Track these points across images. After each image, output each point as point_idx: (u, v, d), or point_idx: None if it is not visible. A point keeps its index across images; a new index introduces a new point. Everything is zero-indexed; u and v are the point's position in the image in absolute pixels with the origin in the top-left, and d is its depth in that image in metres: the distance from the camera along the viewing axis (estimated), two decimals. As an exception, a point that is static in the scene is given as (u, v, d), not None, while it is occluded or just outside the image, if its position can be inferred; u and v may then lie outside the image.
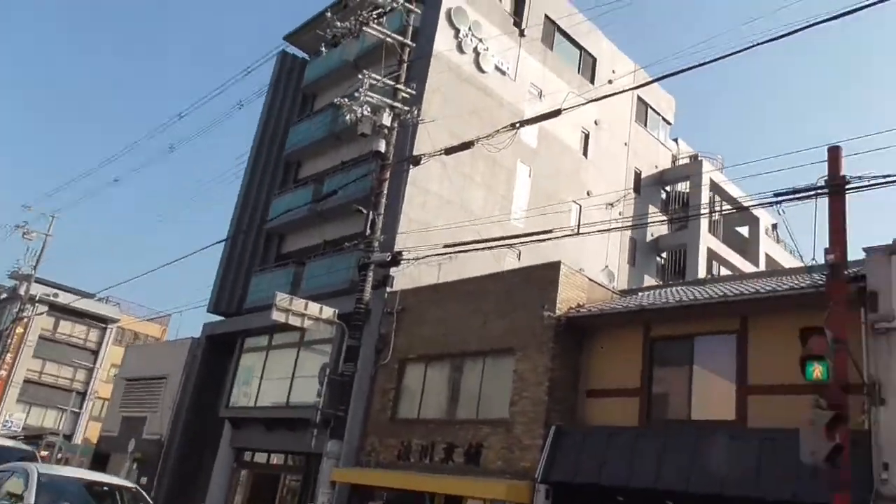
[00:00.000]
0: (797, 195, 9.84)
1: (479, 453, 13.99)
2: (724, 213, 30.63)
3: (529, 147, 23.74)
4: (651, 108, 30.55)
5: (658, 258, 29.83)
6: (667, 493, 11.16)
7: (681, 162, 31.92)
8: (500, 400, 14.26)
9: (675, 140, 33.09)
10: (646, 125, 30.10)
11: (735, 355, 11.93)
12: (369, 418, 16.82)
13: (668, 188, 30.88)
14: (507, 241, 15.37)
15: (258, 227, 26.26)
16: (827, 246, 9.61)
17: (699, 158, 31.75)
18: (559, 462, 12.65)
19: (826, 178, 9.75)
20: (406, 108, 18.14)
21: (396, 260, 16.83)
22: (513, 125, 14.83)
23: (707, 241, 29.22)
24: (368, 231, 17.45)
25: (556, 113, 14.17)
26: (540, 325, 13.97)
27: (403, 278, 18.61)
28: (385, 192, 17.82)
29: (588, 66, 27.35)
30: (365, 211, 17.95)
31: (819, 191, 9.67)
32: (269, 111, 28.12)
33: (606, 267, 21.60)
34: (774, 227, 34.59)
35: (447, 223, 19.46)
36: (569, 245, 23.84)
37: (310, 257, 22.78)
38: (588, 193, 26.00)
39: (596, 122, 26.98)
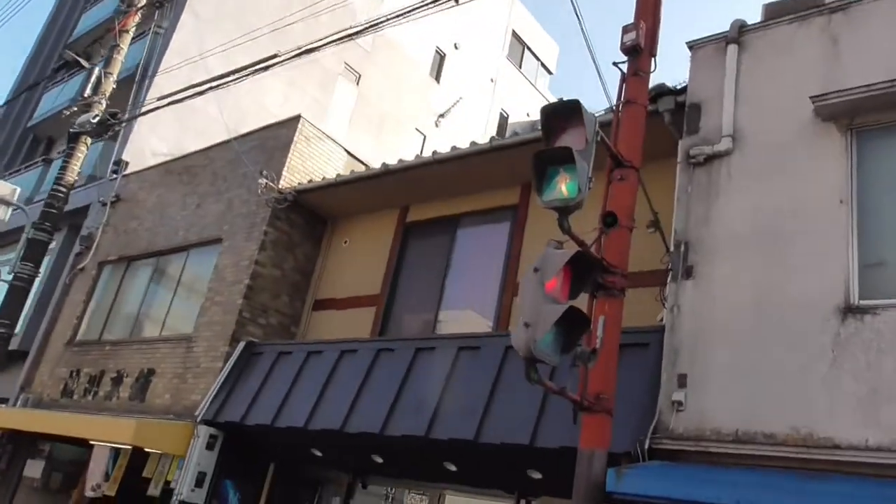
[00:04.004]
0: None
1: (148, 383, 9.39)
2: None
3: (362, 49, 19.32)
4: (529, 48, 26.66)
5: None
6: (357, 436, 6.85)
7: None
8: (194, 309, 9.71)
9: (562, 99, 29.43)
10: (520, 67, 26.17)
11: (507, 240, 7.81)
12: (49, 342, 11.92)
13: (540, 142, 27.07)
14: (275, 61, 10.14)
15: (23, 128, 20.96)
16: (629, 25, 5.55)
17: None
18: (238, 395, 8.19)
19: None
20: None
21: (106, 123, 12.04)
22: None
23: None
24: (89, 92, 12.78)
25: None
26: (256, 202, 9.52)
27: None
28: (123, 46, 13.14)
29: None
30: (89, 65, 13.21)
31: None
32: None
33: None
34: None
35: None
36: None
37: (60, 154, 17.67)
38: (437, 124, 21.83)
39: (456, 46, 22.88)
